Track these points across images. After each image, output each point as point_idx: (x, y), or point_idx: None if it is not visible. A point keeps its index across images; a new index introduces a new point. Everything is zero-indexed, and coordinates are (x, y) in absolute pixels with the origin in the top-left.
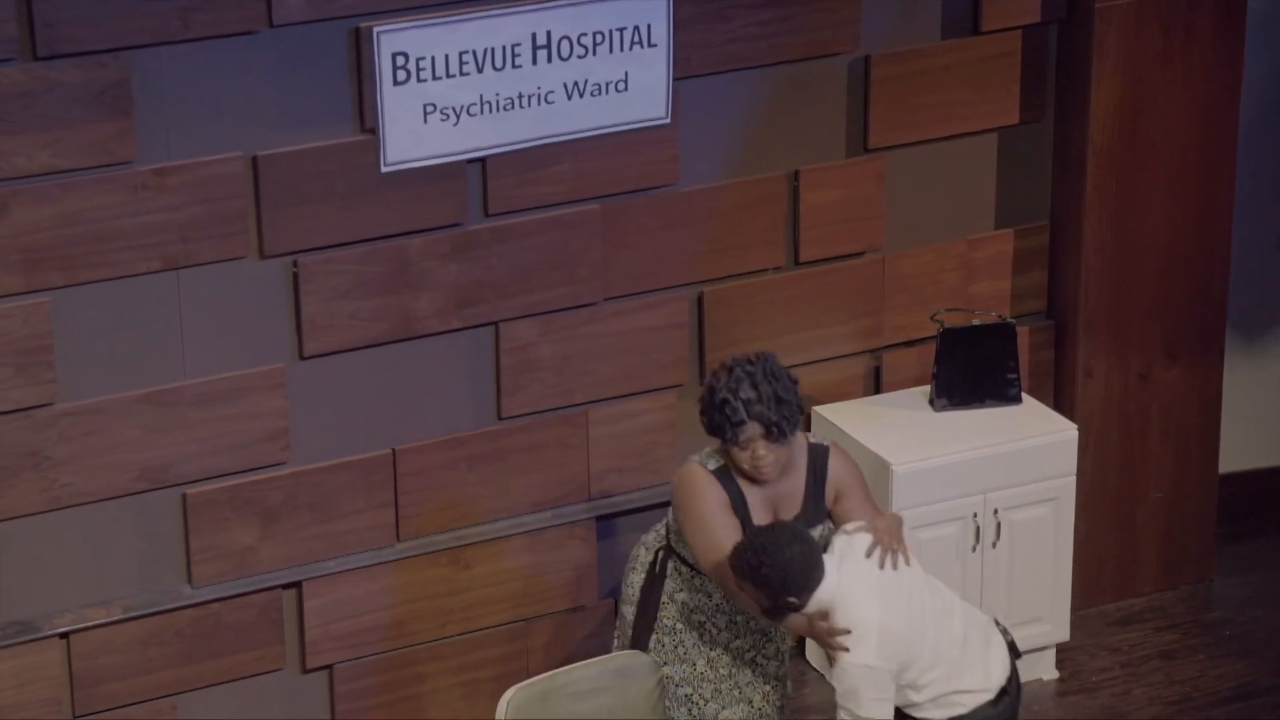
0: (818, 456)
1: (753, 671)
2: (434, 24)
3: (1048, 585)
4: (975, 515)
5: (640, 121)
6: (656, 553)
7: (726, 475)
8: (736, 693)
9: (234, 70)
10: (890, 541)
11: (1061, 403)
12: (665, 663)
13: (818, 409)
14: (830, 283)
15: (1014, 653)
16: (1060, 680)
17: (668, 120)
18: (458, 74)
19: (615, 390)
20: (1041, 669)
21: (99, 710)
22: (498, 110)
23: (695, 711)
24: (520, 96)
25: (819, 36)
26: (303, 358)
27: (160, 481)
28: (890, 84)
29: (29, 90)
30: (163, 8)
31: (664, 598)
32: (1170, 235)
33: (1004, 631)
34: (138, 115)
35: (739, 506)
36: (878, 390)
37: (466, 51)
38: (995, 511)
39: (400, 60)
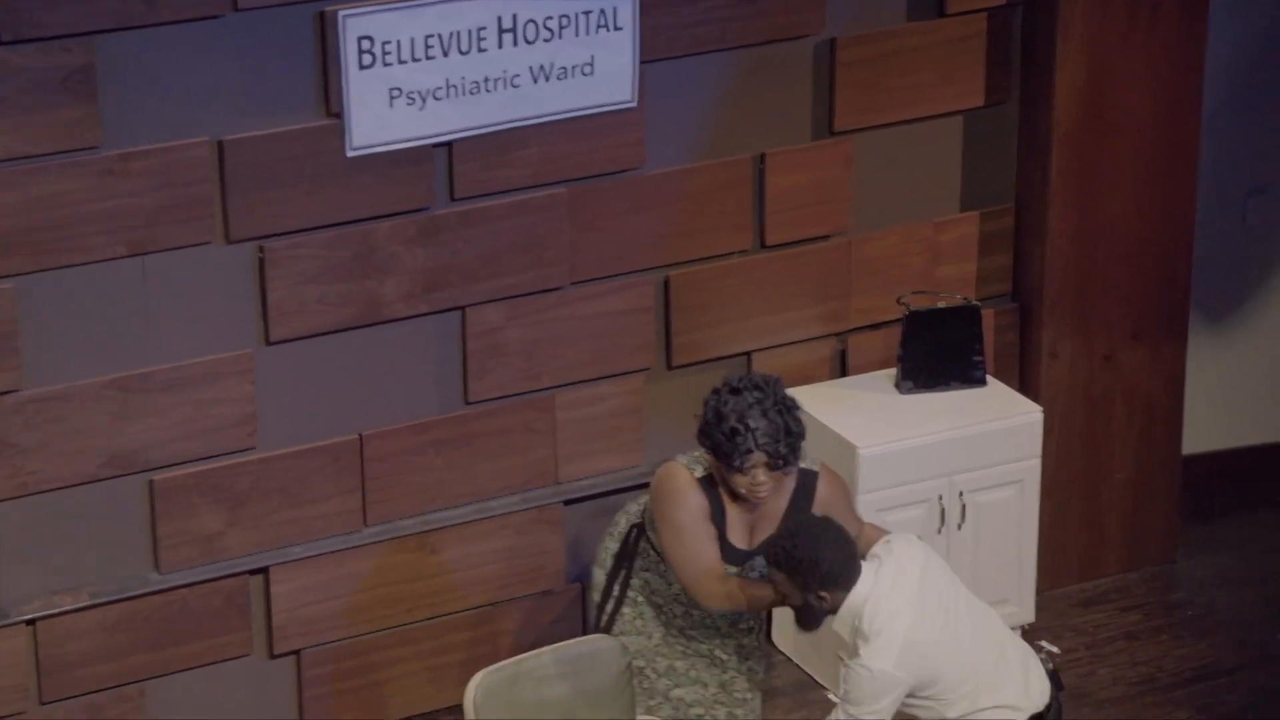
0: (806, 479)
1: (708, 659)
2: (399, 8)
3: (1013, 567)
4: (941, 498)
5: (606, 105)
6: (631, 527)
7: (710, 484)
8: (692, 674)
9: (199, 54)
10: None
11: (1026, 385)
12: (622, 632)
13: None
14: (796, 266)
15: (1056, 683)
16: None
17: (634, 104)
18: (423, 58)
19: (582, 374)
20: None
21: (66, 697)
22: (464, 94)
23: (646, 684)
24: (486, 80)
25: (784, 19)
26: (270, 343)
27: (128, 467)
28: (856, 67)
29: None
30: None
31: (632, 574)
32: (1135, 217)
33: (1045, 662)
34: (102, 100)
35: (716, 517)
36: (844, 373)
37: (432, 35)
38: (960, 494)
39: (366, 44)
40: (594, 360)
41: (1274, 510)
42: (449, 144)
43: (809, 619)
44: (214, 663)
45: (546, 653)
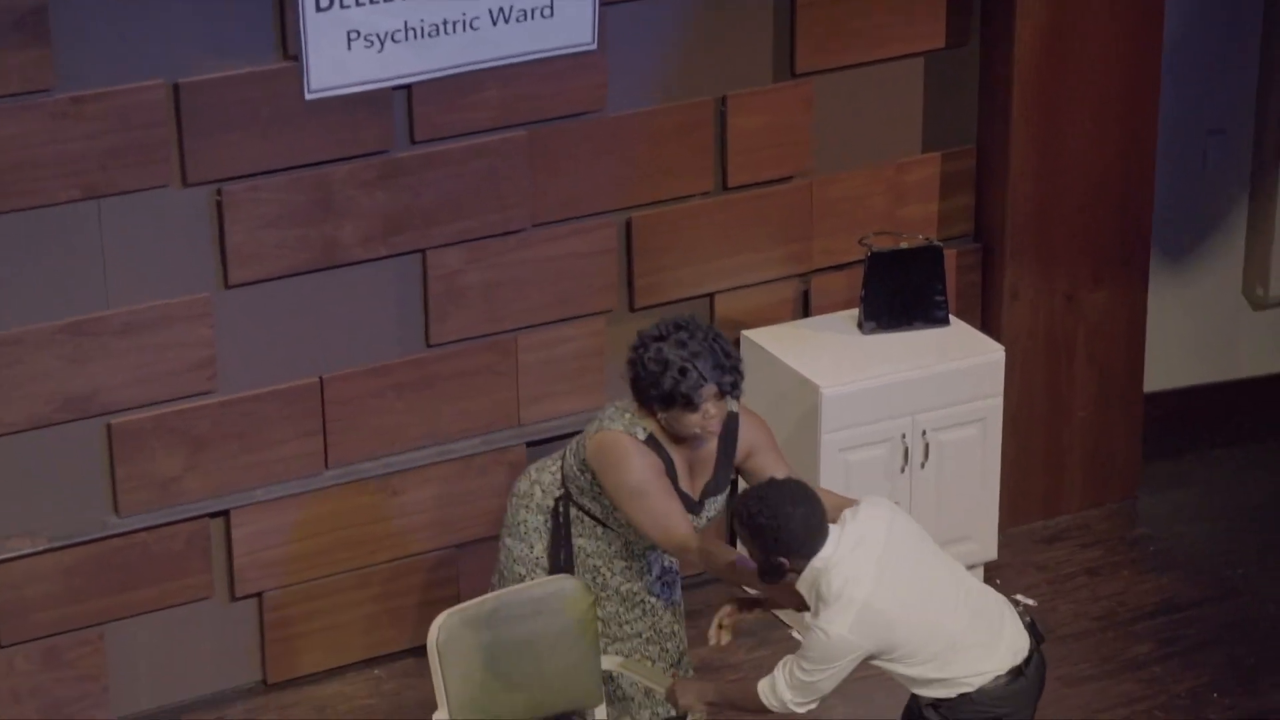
0: (729, 421)
1: (640, 620)
2: None
3: (975, 505)
4: (904, 436)
5: (567, 47)
6: (557, 500)
7: (654, 442)
8: (617, 630)
9: None
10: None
11: (988, 324)
12: None
13: (746, 333)
14: (758, 208)
15: (1035, 635)
16: None
17: (594, 46)
18: (382, 0)
19: (544, 317)
20: None
21: (25, 640)
22: (423, 36)
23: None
24: (445, 23)
25: None
26: (228, 286)
27: (84, 411)
28: (817, 8)
29: None
30: None
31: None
32: (1095, 158)
33: (1022, 615)
34: (55, 42)
35: (669, 471)
36: (806, 314)
37: None
38: (924, 433)
39: None
40: (556, 302)
41: (1234, 447)
42: (408, 87)
43: (771, 575)
44: (175, 605)
45: (510, 593)
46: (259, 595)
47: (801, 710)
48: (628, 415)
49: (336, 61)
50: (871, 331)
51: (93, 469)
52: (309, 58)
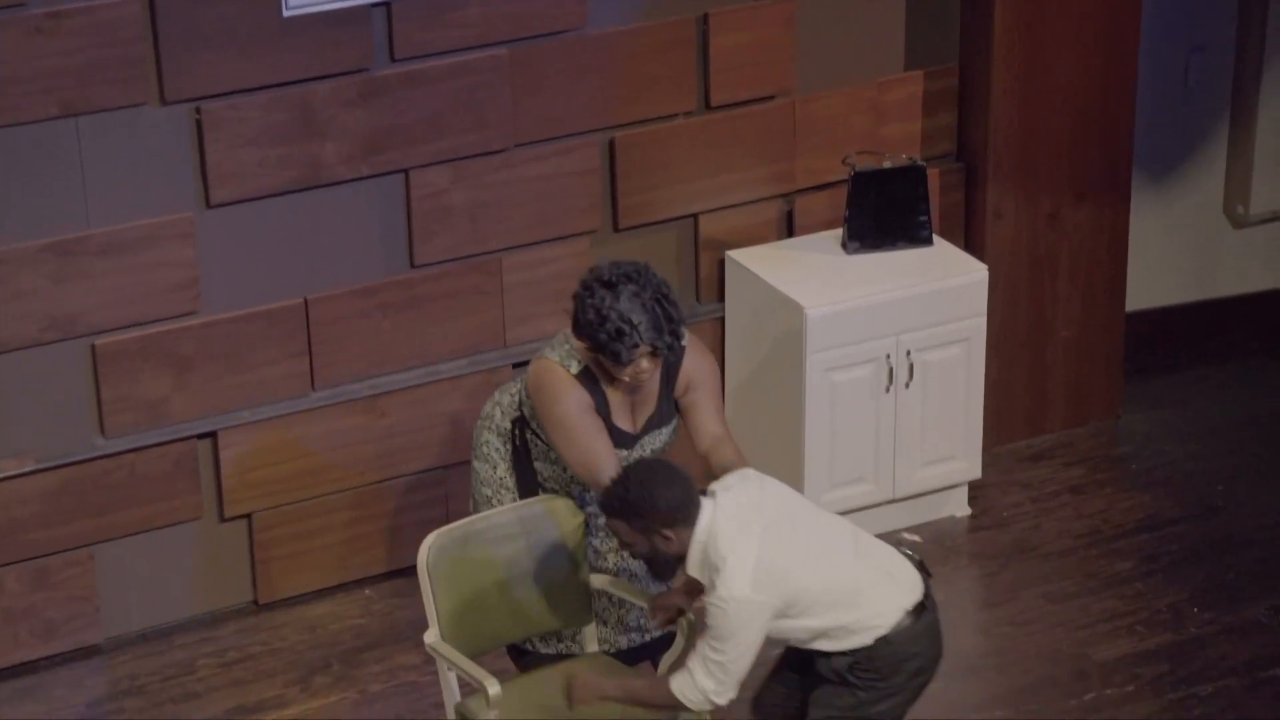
0: (676, 354)
1: (594, 548)
2: None
3: (960, 424)
4: (888, 356)
5: None
6: (514, 422)
7: (589, 377)
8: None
9: None
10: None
11: (972, 244)
12: None
13: (730, 253)
14: (741, 127)
15: (924, 571)
16: (972, 516)
17: None
18: None
19: (528, 237)
20: (954, 506)
21: (15, 560)
22: None
23: None
24: None
25: None
26: (210, 206)
27: (69, 332)
28: None
29: None
30: None
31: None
32: (1078, 77)
33: (911, 555)
34: None
35: (600, 407)
36: (790, 234)
37: None
38: (908, 353)
39: None
40: (540, 223)
41: (1215, 365)
42: (387, 4)
43: (661, 568)
44: (164, 526)
45: (499, 513)
46: (248, 516)
47: (722, 701)
48: (567, 346)
49: None
50: (855, 251)
51: (78, 390)
52: None
